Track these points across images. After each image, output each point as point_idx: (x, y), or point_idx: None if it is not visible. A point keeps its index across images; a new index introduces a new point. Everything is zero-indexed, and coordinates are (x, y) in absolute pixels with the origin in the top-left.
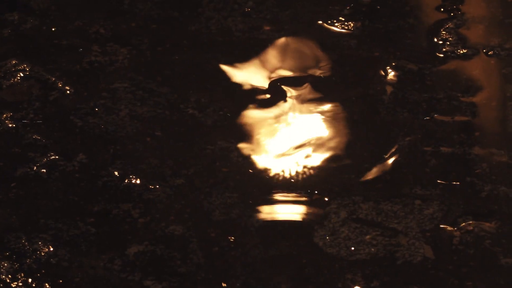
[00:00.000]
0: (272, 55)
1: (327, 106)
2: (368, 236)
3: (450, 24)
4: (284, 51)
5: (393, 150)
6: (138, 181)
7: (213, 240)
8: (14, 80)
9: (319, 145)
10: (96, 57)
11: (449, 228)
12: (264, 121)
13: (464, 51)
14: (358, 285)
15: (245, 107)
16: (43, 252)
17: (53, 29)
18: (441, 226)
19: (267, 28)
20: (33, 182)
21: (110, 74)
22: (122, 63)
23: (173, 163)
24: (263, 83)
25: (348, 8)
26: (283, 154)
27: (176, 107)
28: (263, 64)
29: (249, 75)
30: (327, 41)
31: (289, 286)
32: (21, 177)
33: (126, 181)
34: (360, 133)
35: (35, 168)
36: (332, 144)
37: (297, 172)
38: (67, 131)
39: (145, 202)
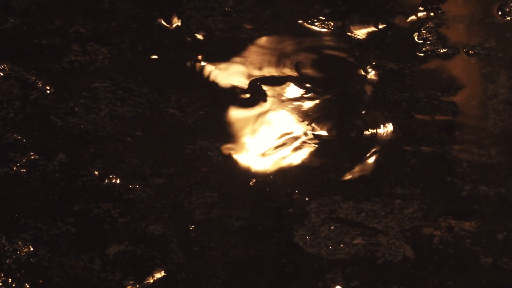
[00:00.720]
0: (252, 55)
1: (307, 106)
2: (348, 236)
3: (430, 24)
4: (264, 50)
5: (373, 149)
6: (118, 181)
7: (193, 240)
8: None
9: (299, 144)
10: (77, 56)
11: (429, 227)
12: (244, 120)
13: (444, 50)
14: (338, 285)
15: (225, 106)
16: (23, 252)
17: (33, 29)
18: (421, 225)
19: (248, 27)
20: (13, 182)
21: (90, 73)
22: (102, 62)
23: (153, 163)
24: (244, 82)
25: (328, 7)
26: (263, 154)
27: (156, 106)
28: (244, 64)
29: (230, 74)
30: (307, 40)
31: (269, 286)
32: (1, 177)
33: (106, 180)
34: (340, 132)
35: (15, 167)
36: (312, 143)
37: (277, 171)
38: (47, 130)
39: (125, 202)
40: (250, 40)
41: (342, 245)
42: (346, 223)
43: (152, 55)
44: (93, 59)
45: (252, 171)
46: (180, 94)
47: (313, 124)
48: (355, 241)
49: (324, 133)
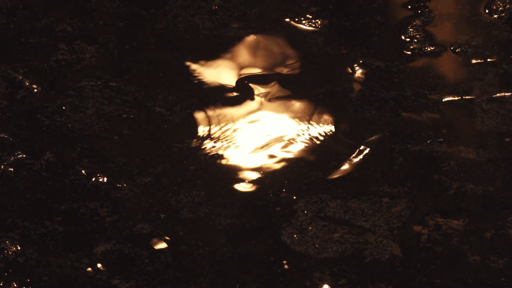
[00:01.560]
0: (239, 53)
1: (294, 104)
2: (336, 234)
3: (417, 22)
4: (251, 49)
5: (360, 148)
6: (105, 180)
7: (180, 239)
8: None
9: (286, 143)
10: (63, 55)
11: (417, 225)
12: (232, 119)
13: (431, 48)
14: (326, 283)
15: (213, 105)
16: (11, 251)
17: (20, 28)
18: (409, 223)
19: (234, 25)
20: (0, 181)
21: (77, 72)
22: (89, 61)
23: (141, 162)
24: (231, 81)
25: (315, 5)
26: (250, 152)
27: (143, 105)
28: (231, 62)
29: (217, 73)
30: (294, 38)
31: (257, 285)
32: None
33: (93, 179)
34: (327, 130)
35: (2, 166)
36: (299, 142)
37: (265, 170)
38: (34, 129)
39: (112, 201)
40: (237, 38)
41: (329, 244)
42: (334, 221)
43: (139, 54)
44: (80, 57)
45: (240, 169)
46: (167, 92)
47: (300, 122)
48: (343, 240)
49: (311, 131)
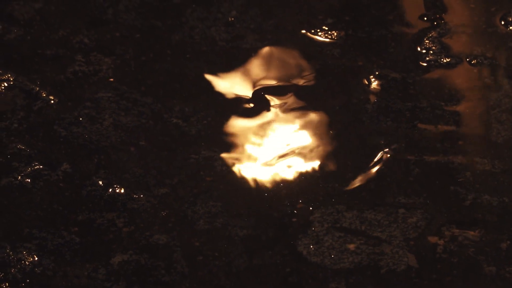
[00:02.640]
0: (255, 65)
1: (310, 115)
2: (351, 245)
3: (433, 33)
4: (267, 61)
5: (376, 159)
6: (122, 191)
7: (197, 249)
8: None
9: (302, 154)
10: (80, 66)
11: (433, 236)
12: (248, 130)
13: (447, 60)
14: None
15: (229, 116)
16: (28, 261)
17: (37, 39)
18: (425, 234)
19: (251, 37)
20: (17, 192)
21: (94, 83)
22: (106, 72)
23: (157, 173)
24: (247, 92)
25: (331, 17)
26: (267, 163)
27: (160, 116)
28: (247, 74)
29: (233, 84)
30: (310, 50)
31: None
32: (5, 186)
33: (110, 190)
34: (343, 142)
35: (19, 177)
36: (315, 153)
37: (281, 181)
38: (51, 140)
39: (129, 211)
40: (253, 50)
41: (346, 254)
42: (350, 232)
43: (155, 65)
44: (96, 69)
45: (256, 180)
46: (184, 104)
47: (316, 133)
48: (359, 250)
49: (327, 142)
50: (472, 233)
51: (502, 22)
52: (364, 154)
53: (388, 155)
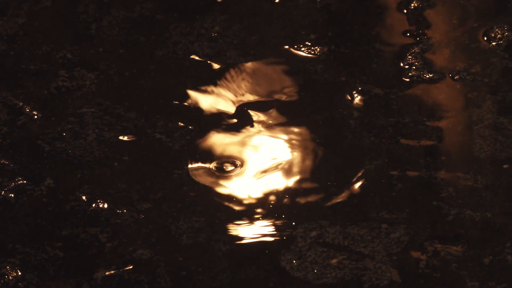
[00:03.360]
0: (238, 80)
1: (293, 130)
2: (334, 260)
3: (416, 49)
4: (250, 76)
5: (359, 174)
6: (105, 206)
7: (180, 264)
8: None
9: (286, 169)
10: (64, 82)
11: (415, 251)
12: (231, 145)
13: (430, 75)
14: None
15: (212, 131)
16: (11, 276)
17: (20, 54)
18: (408, 249)
19: (234, 53)
20: (0, 207)
21: (77, 99)
22: (90, 88)
23: (141, 188)
24: (230, 107)
25: (314, 33)
26: (250, 178)
27: (143, 131)
28: (230, 89)
29: (216, 99)
30: (293, 65)
31: None
32: None
33: (93, 205)
34: (326, 157)
35: (3, 192)
36: (298, 168)
37: (264, 196)
38: (35, 155)
39: (112, 226)
40: (236, 65)
41: (328, 269)
42: (333, 247)
43: (139, 81)
44: (80, 84)
45: (239, 195)
46: (167, 119)
47: (299, 149)
48: (342, 265)
49: (310, 158)
50: (454, 248)
51: (485, 38)
52: (347, 169)
53: (371, 171)
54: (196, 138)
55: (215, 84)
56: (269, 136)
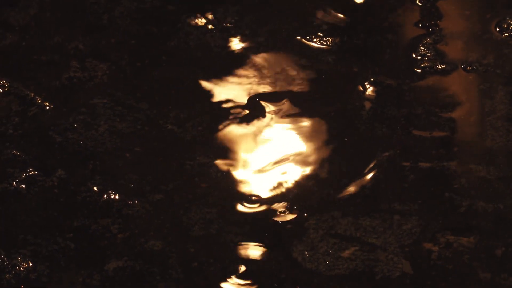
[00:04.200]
0: (250, 71)
1: (305, 122)
2: (347, 251)
3: (428, 40)
4: (262, 67)
5: (371, 165)
6: (117, 197)
7: (192, 256)
8: None
9: (298, 160)
10: (75, 72)
11: (427, 243)
12: (243, 136)
13: (442, 66)
14: None
15: (224, 122)
16: (22, 267)
17: (32, 45)
18: (420, 241)
19: (246, 43)
20: (12, 198)
21: (89, 89)
22: (101, 78)
23: (152, 179)
24: (242, 98)
25: (326, 24)
26: (262, 170)
27: (155, 122)
28: (242, 80)
29: (228, 90)
30: (305, 56)
31: None
32: (0, 192)
33: (105, 196)
34: (338, 148)
35: (14, 183)
36: (310, 159)
37: (276, 187)
38: (46, 146)
39: (124, 218)
40: (248, 56)
41: (340, 261)
42: (345, 239)
43: (151, 71)
44: (92, 75)
45: (251, 187)
46: (179, 110)
47: (311, 140)
48: (354, 257)
49: (322, 149)
50: (467, 239)
51: (497, 29)
52: (359, 161)
53: (383, 162)
54: (208, 129)
55: (227, 75)
56: (281, 127)
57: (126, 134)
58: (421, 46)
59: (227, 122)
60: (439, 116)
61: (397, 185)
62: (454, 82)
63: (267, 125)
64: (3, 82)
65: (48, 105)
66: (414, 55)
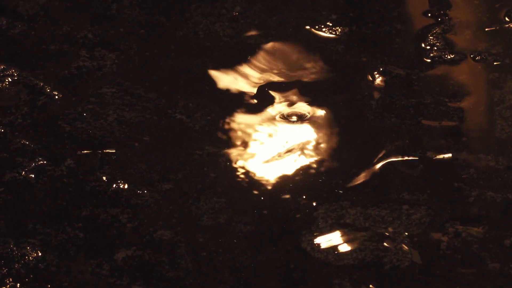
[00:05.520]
0: (259, 60)
1: (314, 111)
2: (356, 241)
3: (437, 29)
4: (271, 56)
5: (380, 155)
6: (126, 186)
7: (201, 245)
8: (2, 85)
9: (306, 150)
10: (84, 62)
11: (436, 233)
12: (252, 126)
13: (451, 56)
14: None
15: (233, 112)
16: (31, 257)
17: (41, 34)
18: (429, 231)
19: (255, 33)
20: (21, 187)
21: (98, 79)
22: (110, 68)
23: (161, 168)
24: (251, 88)
25: (335, 13)
26: (270, 159)
27: (164, 112)
28: (251, 69)
29: (237, 80)
30: (314, 46)
31: None
32: (9, 182)
33: (114, 186)
34: (347, 138)
35: (23, 173)
36: (319, 149)
37: (285, 177)
38: (55, 136)
39: (133, 207)
40: (257, 45)
41: (349, 251)
42: (354, 228)
43: (159, 61)
44: (100, 64)
45: (260, 176)
46: (188, 99)
47: (320, 130)
48: (363, 247)
49: (331, 139)
50: (475, 229)
51: (507, 19)
52: (368, 150)
53: (392, 151)
54: (217, 119)
55: (236, 65)
56: (290, 117)
57: (135, 123)
58: (430, 36)
59: (236, 111)
60: (448, 106)
61: (406, 175)
62: (463, 71)
63: (276, 114)
64: (12, 72)
65: (57, 95)
66: (423, 45)
